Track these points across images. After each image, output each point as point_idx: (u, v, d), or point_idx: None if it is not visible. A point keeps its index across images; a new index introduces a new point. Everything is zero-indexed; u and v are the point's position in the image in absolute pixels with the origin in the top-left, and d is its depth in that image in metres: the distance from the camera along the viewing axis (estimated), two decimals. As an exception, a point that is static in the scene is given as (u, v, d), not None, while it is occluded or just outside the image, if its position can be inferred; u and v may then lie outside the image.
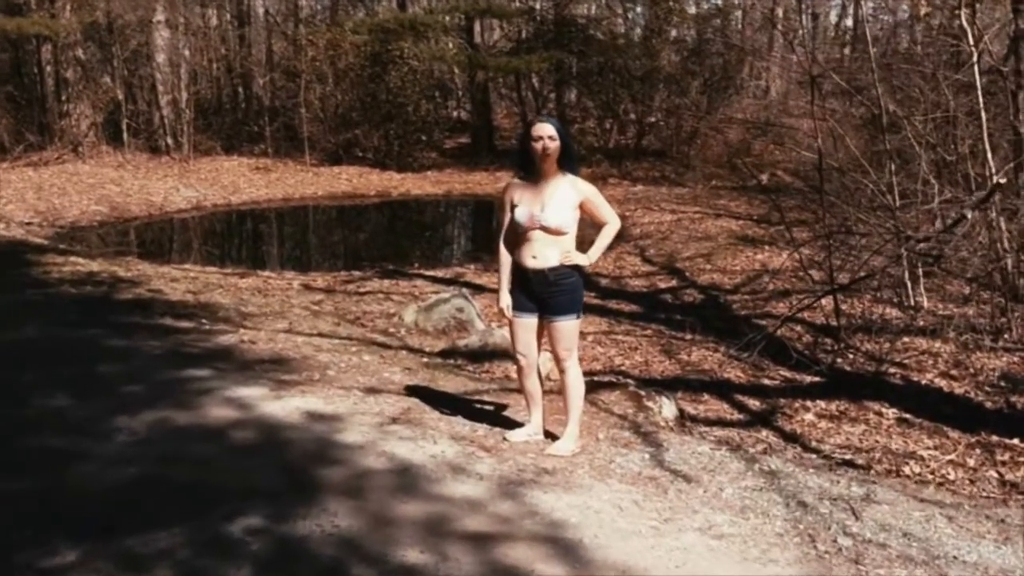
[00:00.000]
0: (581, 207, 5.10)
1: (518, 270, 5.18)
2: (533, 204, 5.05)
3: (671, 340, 9.02)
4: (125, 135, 23.81)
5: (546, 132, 4.97)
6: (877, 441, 6.69)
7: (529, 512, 4.27)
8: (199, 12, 30.03)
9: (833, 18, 39.14)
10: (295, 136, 25.08)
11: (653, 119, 25.23)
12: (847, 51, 29.07)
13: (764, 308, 10.18)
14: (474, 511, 4.26)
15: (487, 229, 19.39)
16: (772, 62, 27.53)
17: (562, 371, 5.23)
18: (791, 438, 6.68)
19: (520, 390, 5.54)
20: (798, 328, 9.32)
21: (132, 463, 4.75)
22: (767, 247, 13.45)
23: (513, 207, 5.14)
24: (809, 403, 7.46)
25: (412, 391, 6.38)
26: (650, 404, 6.75)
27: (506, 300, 5.26)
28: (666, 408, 6.80)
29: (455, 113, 30.75)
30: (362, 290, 11.07)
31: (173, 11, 25.66)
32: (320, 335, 8.28)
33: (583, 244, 5.20)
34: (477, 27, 27.34)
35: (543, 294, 5.11)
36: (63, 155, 22.75)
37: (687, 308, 10.32)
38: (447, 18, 25.84)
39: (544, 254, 5.05)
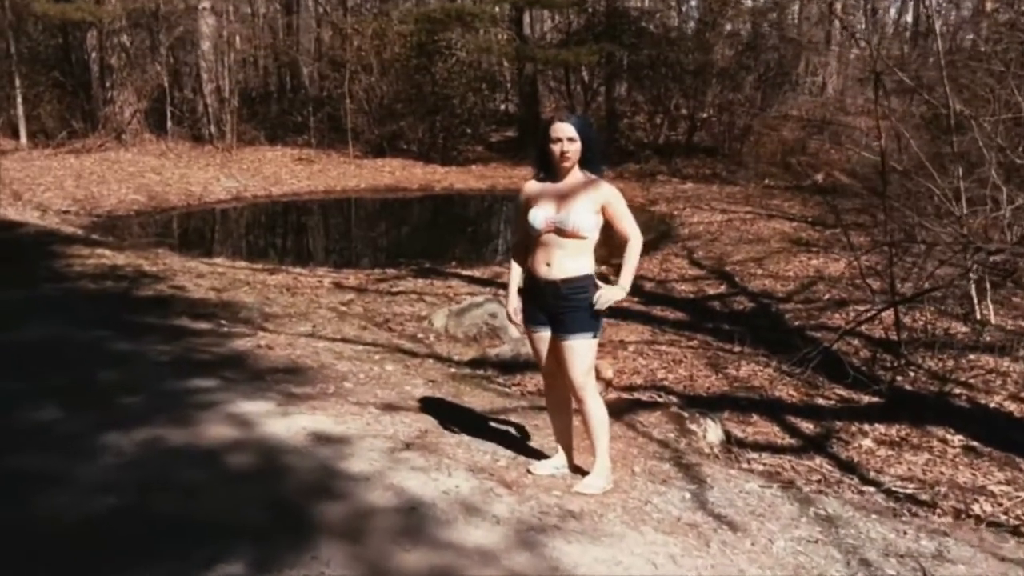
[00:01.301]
0: (602, 211, 4.49)
1: (530, 279, 4.61)
2: (549, 206, 4.50)
3: (718, 352, 8.43)
4: (168, 123, 23.57)
5: (565, 133, 4.42)
6: (942, 473, 6.10)
7: (548, 568, 3.70)
8: (247, -1, 29.78)
9: (893, 13, 38.03)
10: (339, 127, 24.70)
11: (705, 115, 24.52)
12: (906, 48, 28.07)
13: (819, 319, 9.55)
14: (485, 563, 3.71)
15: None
16: (831, 57, 26.67)
17: (579, 401, 4.59)
18: (848, 468, 6.10)
19: (548, 411, 4.99)
20: (855, 342, 8.69)
21: (112, 491, 4.26)
22: (822, 252, 12.78)
23: (528, 209, 4.58)
24: (867, 427, 6.87)
25: (433, 408, 5.85)
26: (693, 427, 6.20)
27: (514, 303, 4.71)
28: (711, 432, 6.24)
29: (502, 106, 30.19)
30: (394, 290, 10.59)
31: (220, -2, 25.41)
32: (343, 340, 7.79)
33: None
34: (526, 18, 26.76)
35: (555, 308, 4.52)
36: (106, 142, 22.58)
37: (736, 317, 9.71)
38: (496, 8, 25.30)
39: (559, 262, 4.47)
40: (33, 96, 23.69)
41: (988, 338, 8.73)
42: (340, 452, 4.79)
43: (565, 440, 4.89)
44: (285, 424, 5.19)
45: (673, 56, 23.74)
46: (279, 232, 17.98)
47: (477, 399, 6.30)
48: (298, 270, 11.73)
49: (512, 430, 5.64)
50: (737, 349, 8.49)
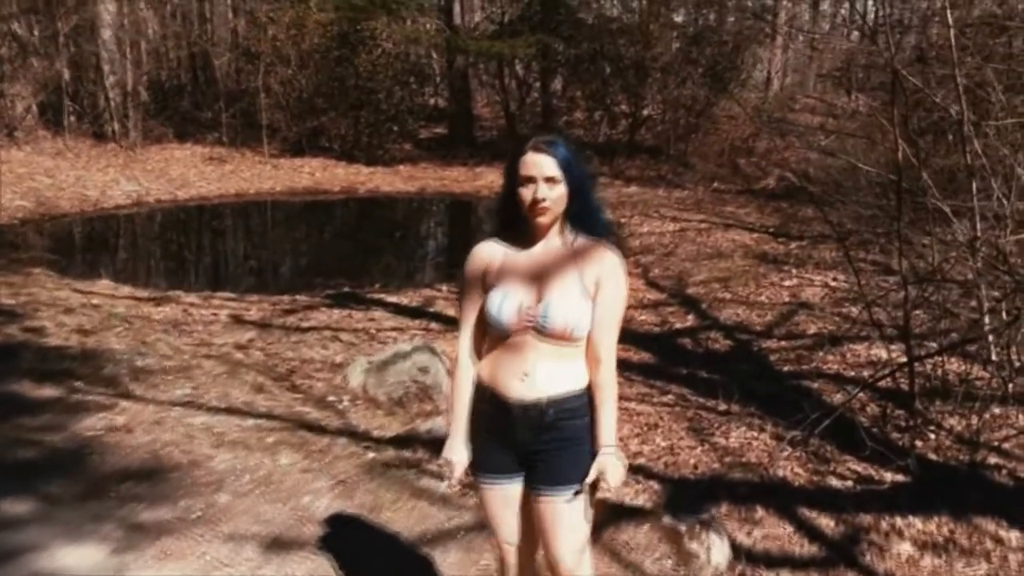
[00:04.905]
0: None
1: (491, 401, 2.89)
2: (521, 289, 2.81)
3: (699, 412, 6.85)
4: (67, 119, 21.50)
5: (542, 171, 2.73)
6: (1013, 596, 4.64)
7: None
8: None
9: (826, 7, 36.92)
10: (254, 123, 22.79)
11: (647, 112, 23.06)
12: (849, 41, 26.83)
13: (811, 361, 8.01)
14: None
15: (464, 234, 17.20)
16: (778, 50, 25.37)
17: None
18: (892, 591, 4.60)
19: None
20: (860, 395, 7.18)
21: None
22: (794, 270, 11.30)
23: (485, 290, 2.88)
24: (899, 521, 5.34)
25: (339, 541, 4.17)
26: (694, 547, 4.63)
27: (459, 453, 2.93)
28: (716, 550, 4.67)
29: (431, 101, 28.49)
30: (304, 324, 8.86)
31: (122, -18, 23.32)
32: (229, 411, 6.06)
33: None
34: (457, 7, 25.04)
35: (533, 446, 2.83)
36: (-5, 140, 20.49)
37: (713, 360, 8.15)
38: (424, -5, 23.70)
39: (543, 373, 2.79)
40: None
41: (1012, 387, 7.31)
42: (188, 660, 3.12)
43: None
44: (115, 594, 3.51)
45: (613, 49, 22.27)
46: (180, 244, 15.98)
47: (402, 515, 4.62)
48: (191, 298, 9.89)
49: None
50: (722, 407, 6.93)
